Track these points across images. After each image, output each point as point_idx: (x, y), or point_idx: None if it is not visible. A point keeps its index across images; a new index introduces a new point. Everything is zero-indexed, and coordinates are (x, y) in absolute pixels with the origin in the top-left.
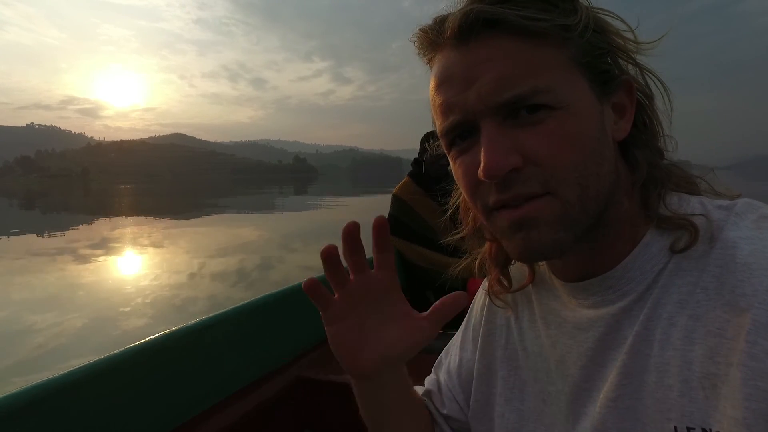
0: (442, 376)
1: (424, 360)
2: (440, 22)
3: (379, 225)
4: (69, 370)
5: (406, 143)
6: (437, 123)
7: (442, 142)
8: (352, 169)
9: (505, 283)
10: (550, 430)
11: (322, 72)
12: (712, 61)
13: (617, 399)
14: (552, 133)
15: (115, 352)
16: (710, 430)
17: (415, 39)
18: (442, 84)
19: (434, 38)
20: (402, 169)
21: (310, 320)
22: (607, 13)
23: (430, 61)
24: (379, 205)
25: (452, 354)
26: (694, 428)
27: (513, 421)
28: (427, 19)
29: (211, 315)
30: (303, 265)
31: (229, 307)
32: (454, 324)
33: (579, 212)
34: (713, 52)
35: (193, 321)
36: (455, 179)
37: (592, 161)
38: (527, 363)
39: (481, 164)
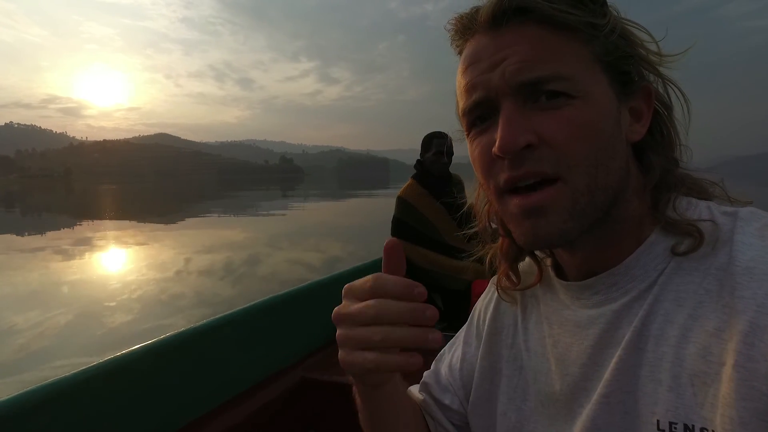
0: (443, 369)
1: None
2: (476, 10)
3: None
4: (77, 370)
5: (393, 144)
6: (460, 104)
7: (462, 123)
8: (339, 170)
9: (514, 279)
10: (548, 431)
11: (308, 72)
12: (693, 62)
13: (609, 395)
14: (568, 119)
15: (123, 352)
16: (693, 426)
17: (450, 26)
18: (470, 65)
19: (468, 24)
20: (389, 169)
21: (315, 322)
22: (634, 25)
23: (460, 50)
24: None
25: (456, 348)
26: (677, 423)
27: (514, 420)
28: (417, 21)
29: (217, 316)
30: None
31: (235, 309)
32: (457, 326)
33: (587, 203)
34: (695, 53)
35: (200, 322)
36: (471, 162)
37: (604, 154)
38: (530, 363)
39: (497, 140)
